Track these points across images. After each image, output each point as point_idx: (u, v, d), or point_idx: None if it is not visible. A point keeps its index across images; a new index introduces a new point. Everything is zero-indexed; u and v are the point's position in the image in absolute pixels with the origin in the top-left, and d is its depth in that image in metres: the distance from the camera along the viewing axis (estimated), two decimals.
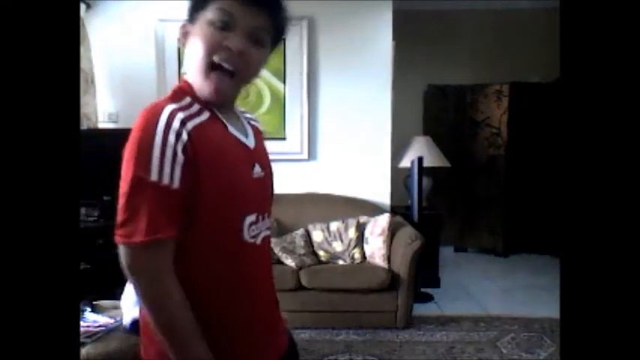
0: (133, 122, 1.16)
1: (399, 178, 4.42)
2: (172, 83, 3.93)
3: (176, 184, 0.97)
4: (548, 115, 5.07)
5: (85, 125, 3.68)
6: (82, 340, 2.12)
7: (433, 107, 5.56)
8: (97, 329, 2.22)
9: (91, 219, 3.28)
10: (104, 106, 3.94)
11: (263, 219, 1.15)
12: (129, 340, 2.09)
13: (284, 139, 3.98)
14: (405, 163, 4.35)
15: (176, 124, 0.98)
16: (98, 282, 2.71)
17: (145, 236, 0.95)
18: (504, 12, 5.39)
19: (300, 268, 3.45)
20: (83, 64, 3.70)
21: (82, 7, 3.74)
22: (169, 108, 1.00)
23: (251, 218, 1.10)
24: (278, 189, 4.47)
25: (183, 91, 1.07)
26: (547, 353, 3.07)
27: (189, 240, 1.02)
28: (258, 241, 1.13)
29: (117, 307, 2.41)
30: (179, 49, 3.89)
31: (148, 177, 0.95)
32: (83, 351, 2.09)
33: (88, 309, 2.37)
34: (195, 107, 1.04)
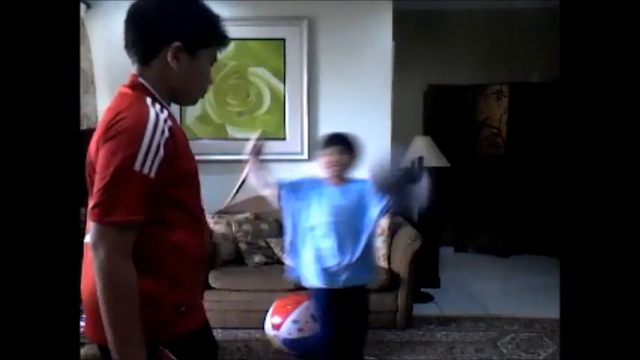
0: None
1: None
2: None
3: (153, 174, 1.11)
4: (548, 115, 5.07)
5: (85, 125, 3.68)
6: (81, 340, 2.11)
7: (433, 107, 5.56)
8: None
9: None
10: (104, 106, 3.92)
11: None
12: None
13: (284, 139, 3.98)
14: (405, 162, 4.34)
15: (162, 122, 1.14)
16: None
17: (123, 216, 1.08)
18: (504, 12, 5.38)
19: None
20: (83, 64, 3.70)
21: (82, 7, 3.74)
22: (155, 107, 1.16)
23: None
24: None
25: (145, 89, 1.22)
26: (547, 353, 3.06)
27: (172, 216, 1.19)
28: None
29: None
30: None
31: (133, 166, 1.08)
32: (83, 351, 2.09)
33: None
34: (159, 105, 1.20)
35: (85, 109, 3.73)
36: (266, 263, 3.52)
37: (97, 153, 1.15)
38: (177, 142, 1.17)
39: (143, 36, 1.22)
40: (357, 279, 2.24)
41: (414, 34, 5.22)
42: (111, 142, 1.10)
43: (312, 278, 2.26)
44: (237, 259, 3.57)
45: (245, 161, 2.17)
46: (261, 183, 2.20)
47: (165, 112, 1.19)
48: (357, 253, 2.20)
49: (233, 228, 3.56)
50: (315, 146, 4.07)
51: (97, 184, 1.10)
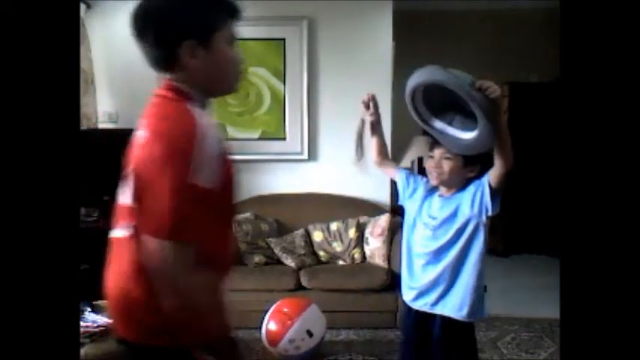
0: (132, 123, 1.16)
1: None
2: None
3: (207, 185, 1.08)
4: (548, 115, 5.06)
5: (84, 125, 3.68)
6: (81, 340, 2.12)
7: None
8: (97, 329, 2.22)
9: (91, 219, 3.28)
10: (104, 106, 3.93)
11: None
12: None
13: (284, 139, 3.97)
14: (405, 163, 4.34)
15: (208, 129, 1.11)
16: (98, 282, 2.70)
17: (194, 236, 1.09)
18: (504, 12, 5.38)
19: (300, 268, 3.45)
20: (83, 64, 3.70)
21: (82, 7, 3.74)
22: (199, 113, 1.13)
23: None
24: (278, 189, 4.44)
25: (182, 93, 1.17)
26: (547, 353, 3.06)
27: (210, 224, 1.15)
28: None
29: None
30: None
31: (190, 179, 1.05)
32: (83, 351, 2.09)
33: (88, 309, 2.37)
34: (199, 109, 1.16)
35: (85, 109, 3.73)
36: (266, 263, 3.52)
37: (141, 162, 1.11)
38: (221, 148, 1.14)
39: (153, 47, 1.17)
40: (438, 307, 1.92)
41: (414, 34, 5.22)
42: (163, 155, 1.06)
43: (402, 286, 2.09)
44: (237, 259, 3.57)
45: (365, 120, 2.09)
46: (378, 142, 2.20)
47: (205, 117, 1.15)
48: (434, 274, 1.92)
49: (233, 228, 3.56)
50: (315, 146, 4.09)
51: (155, 200, 1.07)
